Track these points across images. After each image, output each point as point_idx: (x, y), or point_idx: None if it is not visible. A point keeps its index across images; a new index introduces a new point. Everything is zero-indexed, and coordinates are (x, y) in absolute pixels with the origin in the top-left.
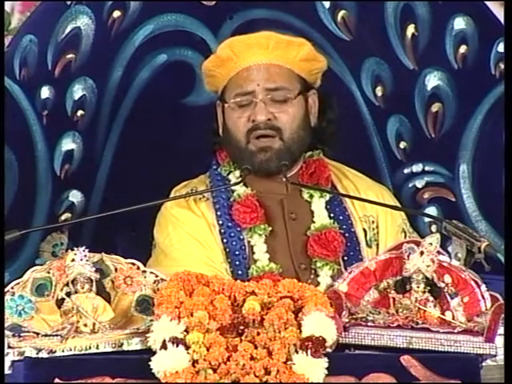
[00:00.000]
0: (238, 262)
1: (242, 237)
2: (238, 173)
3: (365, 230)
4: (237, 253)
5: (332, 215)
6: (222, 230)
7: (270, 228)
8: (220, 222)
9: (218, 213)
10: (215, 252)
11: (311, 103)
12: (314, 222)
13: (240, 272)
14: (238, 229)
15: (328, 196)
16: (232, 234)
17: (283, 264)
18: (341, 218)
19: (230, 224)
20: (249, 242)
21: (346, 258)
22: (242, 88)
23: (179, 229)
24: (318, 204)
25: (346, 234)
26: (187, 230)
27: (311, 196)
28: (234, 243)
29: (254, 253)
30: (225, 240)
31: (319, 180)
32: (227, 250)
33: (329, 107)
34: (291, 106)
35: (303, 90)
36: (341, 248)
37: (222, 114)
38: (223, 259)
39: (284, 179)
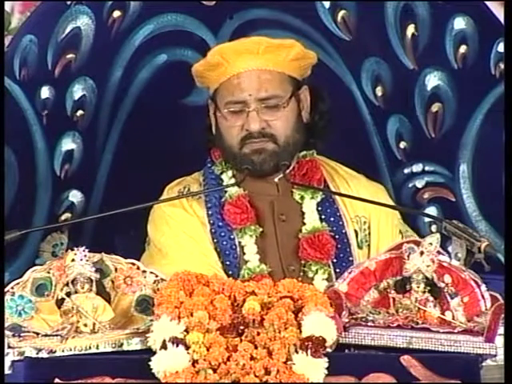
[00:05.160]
0: (228, 262)
1: (232, 236)
2: (230, 173)
3: (356, 232)
4: (227, 252)
5: (323, 216)
6: (213, 230)
7: (261, 229)
8: (211, 222)
9: (210, 212)
10: (209, 250)
11: (303, 99)
12: (304, 224)
13: (231, 272)
14: (229, 229)
15: (320, 197)
16: (223, 234)
17: (272, 265)
18: (332, 219)
19: (220, 224)
20: (239, 242)
21: (335, 260)
22: (234, 96)
23: (173, 227)
24: (309, 205)
25: (337, 236)
26: (181, 227)
27: (302, 197)
28: (224, 243)
29: (244, 253)
30: (215, 240)
31: (311, 181)
32: (218, 249)
33: (320, 100)
34: (284, 112)
35: (295, 90)
36: (333, 251)
37: (214, 114)
38: (216, 258)
39: (279, 178)
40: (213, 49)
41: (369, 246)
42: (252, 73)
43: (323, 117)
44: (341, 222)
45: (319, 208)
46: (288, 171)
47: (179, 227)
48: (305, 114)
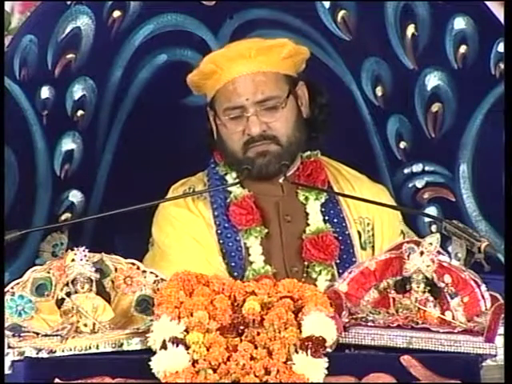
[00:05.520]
0: (234, 263)
1: (238, 238)
2: (234, 174)
3: (359, 233)
4: (233, 254)
5: (327, 218)
6: (219, 231)
7: (266, 230)
8: (217, 223)
9: (215, 213)
10: (213, 252)
11: (301, 95)
12: (308, 225)
13: (236, 273)
14: (235, 230)
15: (324, 198)
16: (229, 235)
17: (276, 266)
18: (335, 220)
19: (226, 225)
20: (245, 243)
21: (338, 261)
22: (231, 102)
23: (178, 228)
24: (313, 206)
25: (340, 237)
26: (186, 229)
27: (306, 198)
28: (230, 244)
29: (249, 254)
30: (221, 241)
31: (315, 182)
32: (223, 250)
33: (318, 94)
34: (283, 112)
35: (292, 87)
36: (337, 252)
37: (214, 121)
38: (220, 260)
39: (283, 179)
40: (205, 58)
41: (372, 247)
42: (246, 77)
43: (323, 110)
44: (344, 224)
45: (323, 209)
46: (292, 172)
47: (184, 228)
48: (304, 110)
